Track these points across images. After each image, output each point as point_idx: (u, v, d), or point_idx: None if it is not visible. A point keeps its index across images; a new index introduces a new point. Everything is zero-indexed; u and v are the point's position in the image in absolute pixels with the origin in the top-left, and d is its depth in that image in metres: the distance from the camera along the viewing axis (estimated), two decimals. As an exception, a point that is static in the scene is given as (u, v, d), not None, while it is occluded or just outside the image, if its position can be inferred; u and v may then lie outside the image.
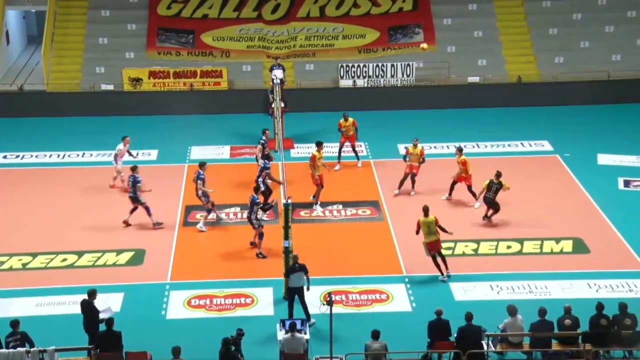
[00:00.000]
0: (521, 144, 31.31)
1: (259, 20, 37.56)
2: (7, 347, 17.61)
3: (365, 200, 26.73)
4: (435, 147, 30.52)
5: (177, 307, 21.12)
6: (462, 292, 21.47)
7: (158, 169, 29.21)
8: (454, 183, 26.02)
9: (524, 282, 21.85)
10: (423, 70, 35.83)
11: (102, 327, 18.23)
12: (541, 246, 23.73)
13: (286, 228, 21.14)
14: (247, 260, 23.28)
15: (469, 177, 25.77)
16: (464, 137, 30.95)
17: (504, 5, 38.40)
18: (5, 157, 30.64)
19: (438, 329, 18.29)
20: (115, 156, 27.16)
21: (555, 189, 27.44)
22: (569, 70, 35.91)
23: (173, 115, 34.44)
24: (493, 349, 18.63)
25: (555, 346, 18.46)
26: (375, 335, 17.97)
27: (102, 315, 18.60)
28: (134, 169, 24.98)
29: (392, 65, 35.67)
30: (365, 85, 35.74)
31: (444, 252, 22.10)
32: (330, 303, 17.67)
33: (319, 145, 26.12)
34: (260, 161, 26.02)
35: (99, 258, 23.37)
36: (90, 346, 18.01)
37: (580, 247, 23.69)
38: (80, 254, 23.54)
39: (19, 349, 17.47)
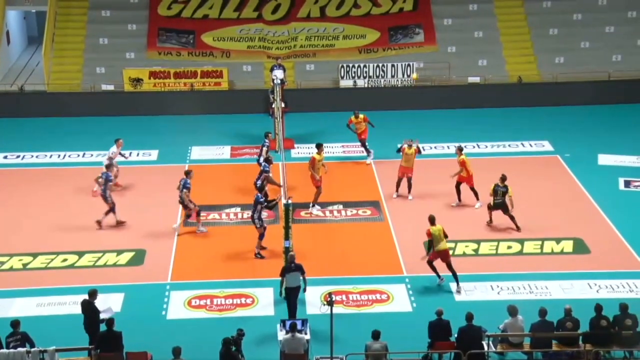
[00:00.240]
0: (521, 144, 31.31)
1: (260, 20, 37.58)
2: (7, 347, 17.61)
3: (366, 201, 26.73)
4: (435, 147, 30.55)
5: (178, 307, 21.11)
6: (462, 292, 21.45)
7: (158, 169, 29.23)
8: (458, 186, 25.92)
9: (525, 282, 21.84)
10: (423, 71, 35.80)
11: (103, 327, 18.22)
12: (542, 246, 23.73)
13: (286, 228, 21.15)
14: (247, 260, 23.28)
15: (471, 178, 25.74)
16: (465, 137, 30.91)
17: (504, 5, 38.42)
18: (5, 157, 30.65)
19: (438, 329, 18.29)
20: (110, 159, 27.17)
21: (556, 190, 27.44)
22: (569, 70, 35.92)
23: (173, 116, 34.44)
24: (493, 349, 18.63)
25: (555, 347, 18.46)
26: (376, 335, 17.96)
27: (102, 316, 18.60)
28: (108, 166, 25.09)
29: (393, 66, 35.67)
30: (366, 85, 35.74)
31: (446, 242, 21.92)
32: (330, 303, 17.67)
33: (319, 147, 26.10)
34: (262, 161, 25.99)
35: (99, 258, 23.37)
36: (90, 346, 18.01)
37: (580, 247, 23.69)
38: (80, 254, 23.55)
39: (20, 349, 17.47)
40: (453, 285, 21.54)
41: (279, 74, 30.77)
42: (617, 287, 21.55)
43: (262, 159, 26.05)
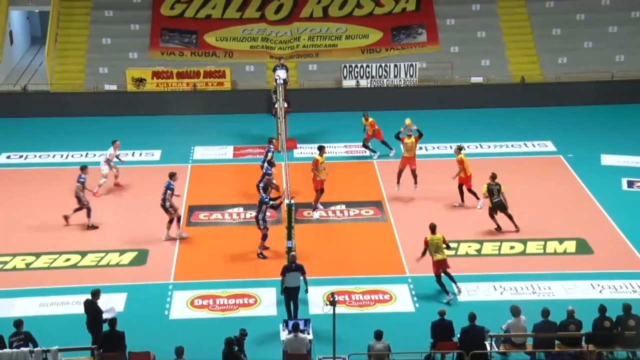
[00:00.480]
0: (524, 144, 31.28)
1: (262, 20, 37.57)
2: (10, 347, 17.62)
3: (369, 201, 26.71)
4: (438, 147, 30.54)
5: (180, 307, 21.12)
6: (465, 292, 21.43)
7: (161, 169, 29.17)
8: (461, 187, 25.83)
9: (527, 282, 21.82)
10: (426, 71, 35.79)
11: (106, 327, 18.22)
12: (544, 247, 23.71)
13: (289, 228, 21.16)
14: (250, 260, 23.28)
15: (469, 178, 25.62)
16: (467, 137, 30.89)
17: (507, 5, 38.38)
18: (8, 157, 30.67)
19: (441, 330, 18.28)
20: (108, 160, 27.17)
21: (559, 190, 27.41)
22: (572, 70, 35.87)
23: (176, 116, 34.44)
24: (496, 349, 18.63)
25: (558, 347, 18.44)
26: (378, 335, 17.96)
27: (105, 315, 18.61)
28: (83, 168, 25.20)
29: (395, 66, 35.66)
30: (369, 85, 35.73)
31: (445, 251, 21.91)
32: (333, 303, 17.65)
33: (321, 149, 26.05)
34: (266, 162, 26.02)
35: (102, 258, 23.39)
36: (93, 346, 18.02)
37: (583, 247, 23.66)
38: (83, 254, 23.56)
39: (23, 348, 17.48)
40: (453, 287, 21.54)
41: (281, 74, 30.79)
42: (620, 288, 21.53)
43: (265, 163, 26.08)
